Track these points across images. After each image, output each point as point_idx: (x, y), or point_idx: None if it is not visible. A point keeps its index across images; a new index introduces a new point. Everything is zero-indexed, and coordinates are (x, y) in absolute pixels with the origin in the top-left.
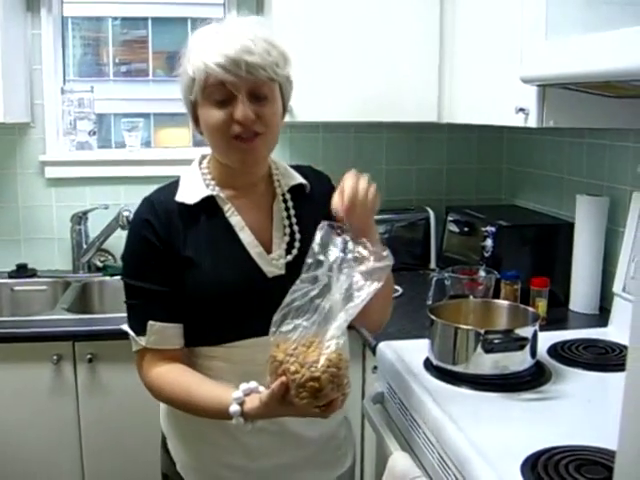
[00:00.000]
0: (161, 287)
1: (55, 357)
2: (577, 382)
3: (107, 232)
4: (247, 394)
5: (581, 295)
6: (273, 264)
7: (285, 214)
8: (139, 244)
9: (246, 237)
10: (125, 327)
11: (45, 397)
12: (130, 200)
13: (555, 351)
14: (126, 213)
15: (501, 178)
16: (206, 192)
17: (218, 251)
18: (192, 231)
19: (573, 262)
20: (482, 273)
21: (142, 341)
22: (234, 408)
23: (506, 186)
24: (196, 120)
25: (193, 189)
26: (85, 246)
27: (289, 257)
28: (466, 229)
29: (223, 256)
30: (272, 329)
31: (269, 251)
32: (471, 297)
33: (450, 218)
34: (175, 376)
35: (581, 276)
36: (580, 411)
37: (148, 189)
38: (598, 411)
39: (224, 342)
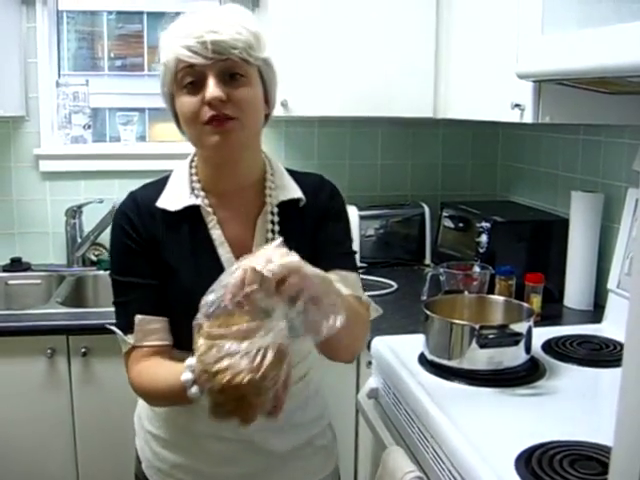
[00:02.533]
0: (145, 280)
1: (49, 351)
2: (571, 378)
3: (102, 226)
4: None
5: (576, 291)
6: None
7: (270, 230)
8: (120, 238)
9: (224, 253)
10: (113, 328)
11: (39, 390)
12: (124, 194)
13: (549, 347)
14: None
15: (496, 174)
16: (190, 200)
17: (196, 263)
18: (172, 237)
19: (568, 258)
20: (477, 269)
21: (130, 339)
22: (186, 376)
23: (501, 182)
24: (176, 116)
25: (177, 194)
26: (79, 240)
27: None
28: (461, 225)
29: (199, 269)
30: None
31: None
32: (466, 292)
33: (445, 214)
34: (152, 366)
35: (576, 272)
36: (574, 407)
37: (142, 183)
38: (592, 407)
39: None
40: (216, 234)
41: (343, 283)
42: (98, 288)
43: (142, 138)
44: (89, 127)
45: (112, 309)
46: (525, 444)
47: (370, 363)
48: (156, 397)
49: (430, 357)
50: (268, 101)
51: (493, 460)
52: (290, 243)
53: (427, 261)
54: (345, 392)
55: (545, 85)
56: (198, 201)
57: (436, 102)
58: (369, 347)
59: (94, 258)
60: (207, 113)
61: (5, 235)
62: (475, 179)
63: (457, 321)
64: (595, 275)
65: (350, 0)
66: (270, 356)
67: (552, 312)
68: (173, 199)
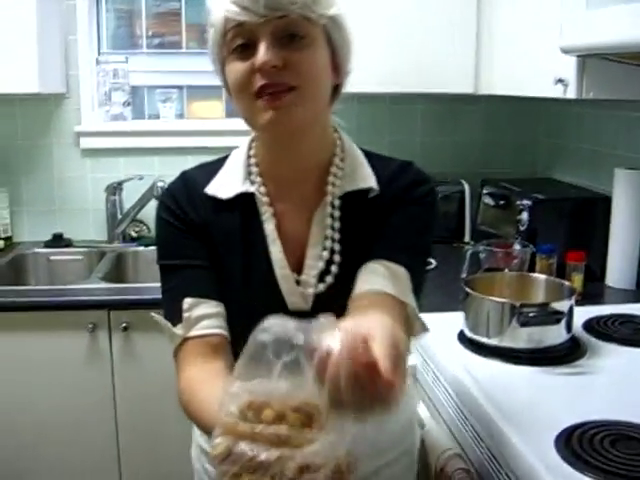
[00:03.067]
0: (194, 261)
1: (90, 326)
2: (612, 357)
3: (141, 202)
4: None
5: (618, 270)
6: (298, 293)
7: (329, 227)
8: (166, 218)
9: (275, 252)
10: (158, 317)
11: (81, 365)
12: (164, 171)
13: (591, 326)
14: (160, 184)
15: (537, 151)
16: (243, 187)
17: (243, 257)
18: (221, 227)
19: (610, 236)
20: (517, 247)
21: (179, 329)
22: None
23: (542, 159)
24: (228, 87)
25: (231, 179)
26: (120, 216)
27: (321, 287)
28: (501, 202)
29: (247, 269)
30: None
31: (300, 271)
32: (506, 270)
33: (485, 191)
34: (201, 387)
35: (618, 251)
36: (615, 386)
37: (181, 160)
38: (633, 387)
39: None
40: (269, 229)
41: (389, 280)
42: (138, 264)
43: (180, 116)
44: (129, 104)
45: (152, 285)
46: (565, 423)
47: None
48: (198, 425)
49: (469, 335)
50: (337, 69)
51: (532, 439)
52: (352, 243)
53: (467, 239)
54: None
55: (589, 60)
56: (253, 188)
57: (477, 78)
58: None
59: (134, 234)
60: (258, 82)
61: (46, 212)
62: (516, 156)
63: (497, 299)
64: (638, 253)
65: None
66: None
67: (593, 291)
68: (226, 185)
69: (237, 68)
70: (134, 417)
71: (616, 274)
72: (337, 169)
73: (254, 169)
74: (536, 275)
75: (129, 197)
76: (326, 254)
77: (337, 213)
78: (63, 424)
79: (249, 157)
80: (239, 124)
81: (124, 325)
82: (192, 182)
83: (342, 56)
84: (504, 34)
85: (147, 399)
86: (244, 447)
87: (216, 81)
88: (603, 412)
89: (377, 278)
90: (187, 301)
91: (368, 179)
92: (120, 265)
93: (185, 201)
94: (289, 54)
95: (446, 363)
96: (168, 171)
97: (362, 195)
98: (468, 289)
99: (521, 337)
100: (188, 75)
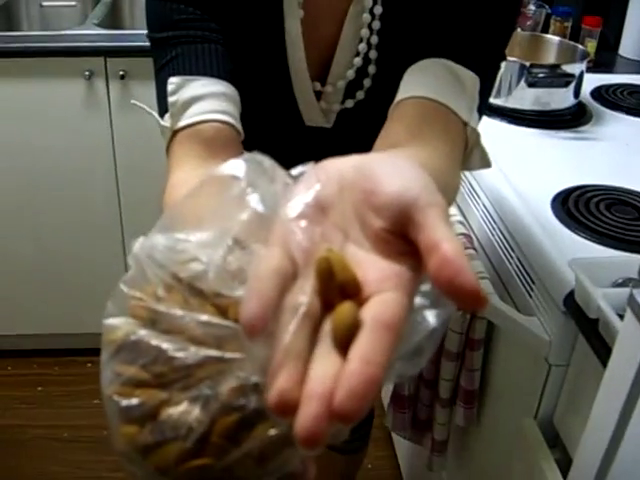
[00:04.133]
0: (191, 31)
1: (87, 73)
2: (617, 125)
3: None
4: None
5: (633, 40)
6: (319, 108)
7: (366, 25)
8: None
9: (294, 54)
10: (144, 107)
11: (78, 113)
12: None
13: (599, 93)
14: None
15: None
16: None
17: (258, 59)
18: (236, 15)
19: (629, 4)
20: (532, 7)
21: (166, 120)
22: None
23: None
24: None
25: None
26: None
27: (349, 103)
28: None
29: (260, 73)
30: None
31: (324, 81)
32: (519, 29)
33: None
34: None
35: (635, 20)
36: (616, 154)
37: None
38: (634, 155)
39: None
40: (292, 24)
41: (448, 87)
42: (135, 10)
43: None
44: None
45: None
46: (563, 185)
47: None
48: None
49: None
50: None
51: (530, 199)
52: (394, 50)
53: None
54: None
55: None
56: None
57: None
58: None
59: None
60: None
61: None
62: None
63: (507, 57)
64: None
65: None
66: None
67: (606, 59)
68: None
69: None
70: (133, 166)
71: (631, 44)
72: None
73: None
74: (549, 36)
75: None
76: (358, 61)
77: (379, 9)
78: (62, 173)
79: None
80: None
81: (121, 73)
82: None
83: None
84: None
85: (145, 150)
86: (151, 339)
87: None
88: (602, 177)
89: (430, 79)
90: (172, 81)
91: None
92: (116, 10)
93: None
94: None
95: None
96: None
97: None
98: None
99: (528, 98)
100: None
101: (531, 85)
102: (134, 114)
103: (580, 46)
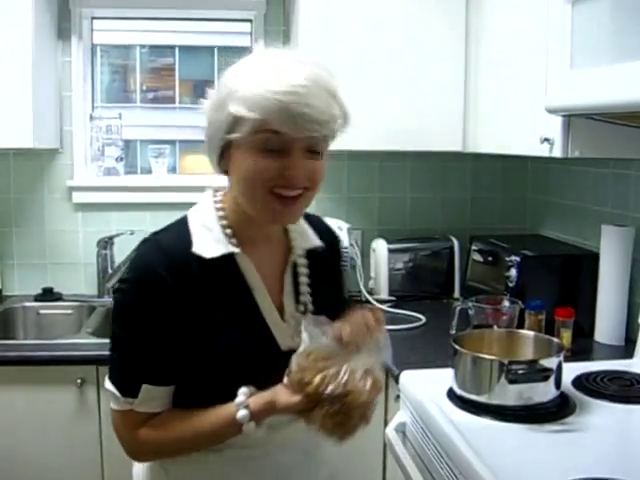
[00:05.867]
0: (163, 347)
1: (79, 380)
2: (602, 414)
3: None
4: (248, 396)
5: (606, 326)
6: (287, 334)
7: (301, 280)
8: (147, 298)
9: (263, 301)
10: (107, 383)
11: (68, 420)
12: (156, 226)
13: (580, 382)
14: None
15: (526, 207)
16: (226, 248)
17: (234, 314)
18: (208, 288)
19: (598, 293)
20: (506, 303)
21: (129, 403)
22: (242, 413)
23: (530, 215)
24: (220, 161)
25: (210, 240)
26: (110, 271)
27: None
28: (490, 258)
29: (238, 320)
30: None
31: (282, 317)
32: (495, 327)
33: (474, 247)
34: (171, 417)
35: (606, 307)
36: (605, 443)
37: (173, 215)
38: (623, 444)
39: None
40: (253, 281)
41: None
42: None
43: (173, 170)
44: (121, 159)
45: None
46: None
47: (398, 397)
48: (194, 444)
49: (459, 392)
50: None
51: None
52: (319, 289)
53: (456, 295)
54: (373, 425)
55: (574, 119)
56: (235, 247)
57: (465, 136)
58: (397, 381)
59: None
60: (281, 183)
61: (37, 265)
62: (504, 213)
63: (486, 356)
64: (626, 310)
65: (379, 36)
66: (372, 380)
67: (582, 347)
68: (207, 245)
69: (261, 164)
70: (122, 473)
71: (605, 330)
72: (294, 227)
73: (228, 232)
74: (524, 332)
75: (120, 252)
76: (302, 299)
77: (304, 270)
78: (49, 478)
79: (220, 219)
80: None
81: None
82: (170, 248)
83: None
84: (490, 94)
85: None
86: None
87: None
88: (593, 470)
89: None
90: (147, 387)
91: (315, 239)
92: (110, 320)
93: (170, 276)
94: (311, 165)
95: (435, 420)
96: (159, 226)
97: (314, 251)
98: (457, 346)
99: (510, 394)
100: (181, 130)
101: (512, 382)
102: None
103: (555, 339)
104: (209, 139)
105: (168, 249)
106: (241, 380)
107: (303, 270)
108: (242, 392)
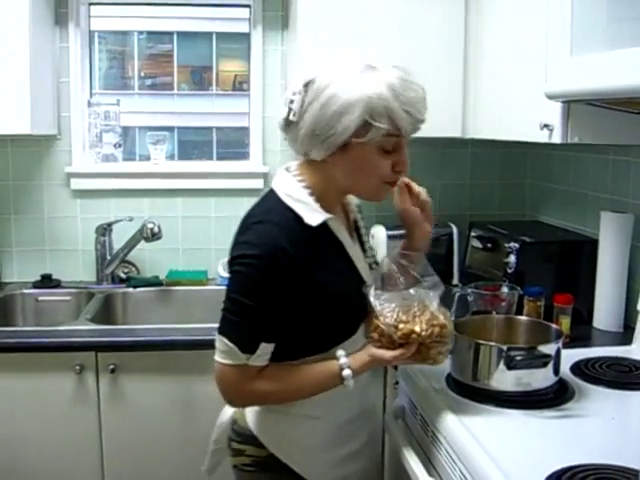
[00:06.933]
0: (285, 310)
1: (78, 367)
2: (600, 400)
3: (131, 244)
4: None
5: (605, 312)
6: (368, 277)
7: (362, 232)
8: (276, 270)
9: (352, 253)
10: (222, 339)
11: (67, 407)
12: (154, 212)
13: (578, 369)
14: (150, 225)
15: (525, 194)
16: (323, 215)
17: (338, 267)
18: (316, 251)
19: (597, 279)
20: (505, 289)
21: (245, 359)
22: (347, 372)
23: (530, 202)
24: (333, 154)
25: (309, 211)
26: (109, 258)
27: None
28: (489, 245)
29: (342, 271)
30: (372, 299)
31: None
32: (494, 313)
33: (473, 234)
34: (280, 373)
35: (605, 293)
36: (603, 429)
37: (171, 202)
38: (622, 430)
39: (332, 346)
40: (344, 238)
41: None
42: (127, 305)
43: (171, 156)
44: (120, 146)
45: (141, 326)
46: (553, 467)
47: (397, 383)
48: (300, 394)
49: (457, 378)
50: None
51: None
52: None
53: (455, 281)
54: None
55: (574, 105)
56: (329, 215)
57: (465, 122)
58: (396, 367)
59: (123, 275)
60: (393, 176)
61: (36, 252)
62: (503, 199)
63: (485, 342)
64: (625, 296)
65: (378, 23)
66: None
67: (581, 333)
68: (311, 216)
69: (382, 163)
70: (120, 459)
71: (603, 316)
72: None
73: (317, 201)
74: (523, 318)
75: (119, 238)
76: (369, 252)
77: (363, 223)
78: (49, 466)
79: (310, 194)
80: (228, 167)
81: (111, 367)
82: (287, 228)
83: None
84: (490, 80)
85: (134, 442)
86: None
87: (207, 122)
88: (591, 456)
89: None
90: (264, 345)
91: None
92: (109, 306)
93: (293, 249)
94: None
95: (434, 406)
96: (157, 213)
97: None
98: (456, 332)
99: (509, 380)
100: (179, 116)
101: (510, 368)
102: (123, 407)
103: (554, 325)
104: (329, 134)
105: (284, 225)
106: (346, 319)
107: (362, 223)
108: (341, 354)
